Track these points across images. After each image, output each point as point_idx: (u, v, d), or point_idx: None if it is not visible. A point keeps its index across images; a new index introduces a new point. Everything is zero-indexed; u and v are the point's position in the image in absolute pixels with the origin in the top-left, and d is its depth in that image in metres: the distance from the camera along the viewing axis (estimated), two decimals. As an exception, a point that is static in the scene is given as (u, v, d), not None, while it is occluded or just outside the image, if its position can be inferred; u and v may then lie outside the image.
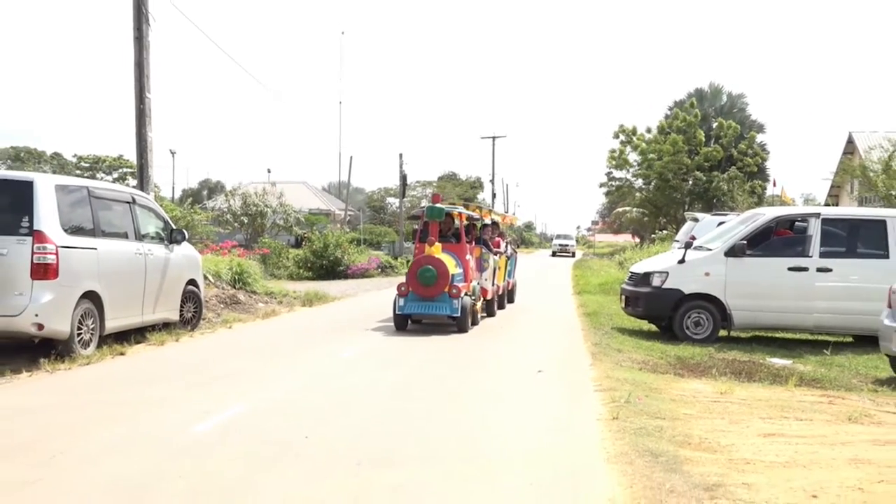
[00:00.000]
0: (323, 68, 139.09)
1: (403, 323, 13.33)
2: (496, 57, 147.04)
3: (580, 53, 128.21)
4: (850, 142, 39.31)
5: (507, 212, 55.38)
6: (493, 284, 16.28)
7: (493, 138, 65.42)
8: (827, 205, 37.94)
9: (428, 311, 13.31)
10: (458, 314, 13.10)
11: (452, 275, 13.27)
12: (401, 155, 41.73)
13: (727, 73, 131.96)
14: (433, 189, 59.64)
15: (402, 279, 14.32)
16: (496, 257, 16.77)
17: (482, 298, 15.18)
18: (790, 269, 12.57)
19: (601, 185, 57.01)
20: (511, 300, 19.32)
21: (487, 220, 17.88)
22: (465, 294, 13.51)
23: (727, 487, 5.15)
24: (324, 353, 11.06)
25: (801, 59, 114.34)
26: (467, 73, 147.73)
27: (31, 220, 9.28)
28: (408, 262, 18.80)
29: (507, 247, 18.76)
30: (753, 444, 6.37)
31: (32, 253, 9.20)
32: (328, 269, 28.96)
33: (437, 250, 13.35)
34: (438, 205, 13.83)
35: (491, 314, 16.21)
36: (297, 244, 35.04)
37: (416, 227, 16.72)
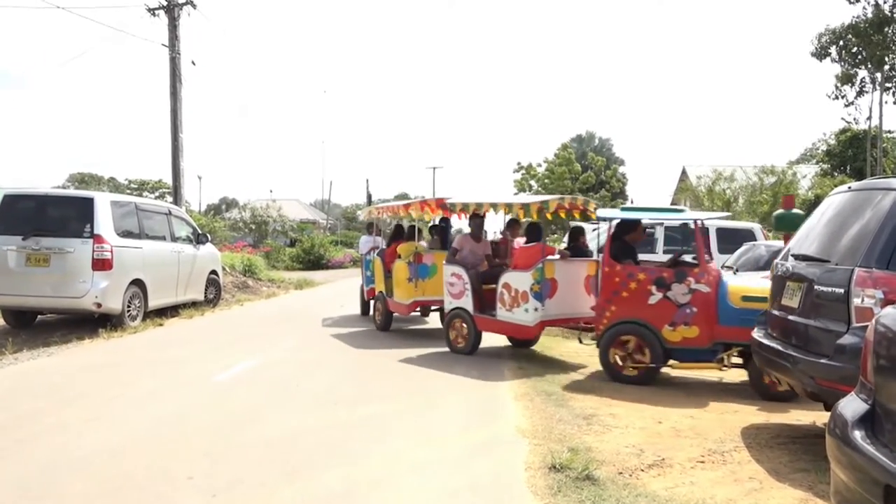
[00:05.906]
0: (311, 113, 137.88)
1: None
2: (437, 106, 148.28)
3: (499, 105, 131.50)
4: (684, 172, 40.06)
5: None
6: None
7: (434, 168, 65.27)
8: (667, 217, 38.64)
9: None
10: None
11: None
12: (367, 180, 42.58)
13: (600, 123, 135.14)
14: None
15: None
16: None
17: None
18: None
19: (510, 201, 57.60)
20: None
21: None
22: None
23: (599, 416, 5.23)
24: (310, 323, 10.90)
25: (650, 115, 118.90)
26: (415, 118, 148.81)
27: (92, 227, 9.03)
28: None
29: None
30: (616, 386, 6.44)
31: (93, 251, 8.96)
32: (314, 262, 28.48)
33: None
34: None
35: None
36: (292, 244, 34.49)
37: (504, 235, 10.09)
